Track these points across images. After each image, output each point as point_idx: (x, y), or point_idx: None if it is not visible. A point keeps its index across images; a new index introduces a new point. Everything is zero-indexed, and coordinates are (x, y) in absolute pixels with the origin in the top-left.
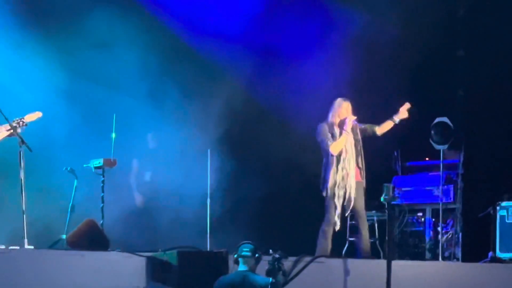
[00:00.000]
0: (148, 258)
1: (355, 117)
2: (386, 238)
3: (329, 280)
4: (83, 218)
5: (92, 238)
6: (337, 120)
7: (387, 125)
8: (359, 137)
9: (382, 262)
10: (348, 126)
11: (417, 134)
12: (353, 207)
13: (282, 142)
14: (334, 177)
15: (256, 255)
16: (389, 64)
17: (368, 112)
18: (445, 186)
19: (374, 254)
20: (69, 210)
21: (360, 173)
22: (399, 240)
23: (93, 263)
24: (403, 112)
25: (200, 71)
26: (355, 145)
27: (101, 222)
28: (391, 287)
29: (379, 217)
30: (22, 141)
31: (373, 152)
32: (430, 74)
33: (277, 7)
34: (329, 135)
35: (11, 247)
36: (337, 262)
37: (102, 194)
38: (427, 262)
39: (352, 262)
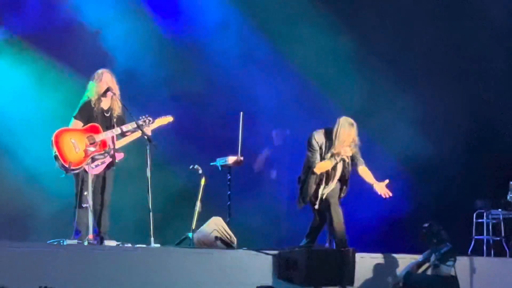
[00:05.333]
0: (274, 256)
1: (353, 150)
2: None
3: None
4: (210, 216)
5: (218, 236)
6: (335, 142)
7: (368, 176)
8: (350, 167)
9: (509, 260)
10: (344, 155)
11: None
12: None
13: None
14: (316, 191)
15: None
16: None
17: None
18: None
19: (500, 252)
20: (195, 208)
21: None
22: None
23: (219, 261)
24: (382, 187)
25: None
26: (343, 172)
27: (228, 220)
28: None
29: (505, 216)
30: (149, 140)
31: (499, 151)
32: None
33: None
34: (318, 150)
35: (138, 245)
36: (463, 260)
37: (229, 192)
38: None
39: (478, 260)
